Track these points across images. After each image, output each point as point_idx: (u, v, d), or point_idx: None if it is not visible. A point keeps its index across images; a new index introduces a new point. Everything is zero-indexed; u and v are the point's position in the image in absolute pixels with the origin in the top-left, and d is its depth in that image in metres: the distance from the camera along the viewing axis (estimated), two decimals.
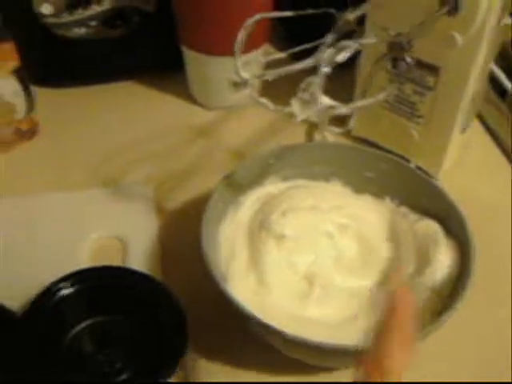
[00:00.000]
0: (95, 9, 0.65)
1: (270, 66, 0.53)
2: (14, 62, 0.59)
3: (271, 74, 0.44)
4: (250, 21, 0.45)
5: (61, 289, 0.48)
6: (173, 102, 0.69)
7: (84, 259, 0.55)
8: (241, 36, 0.45)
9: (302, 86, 0.44)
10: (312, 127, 0.64)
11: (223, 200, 0.51)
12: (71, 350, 0.49)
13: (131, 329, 0.49)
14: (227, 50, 0.59)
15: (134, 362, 0.47)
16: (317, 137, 0.63)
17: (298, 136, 0.64)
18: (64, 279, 0.48)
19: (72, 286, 0.49)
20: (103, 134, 0.66)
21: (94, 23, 0.66)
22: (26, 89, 0.62)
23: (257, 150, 0.63)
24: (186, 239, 0.52)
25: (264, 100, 0.44)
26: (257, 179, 0.53)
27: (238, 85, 0.64)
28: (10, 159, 0.64)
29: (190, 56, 0.64)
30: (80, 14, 0.65)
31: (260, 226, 0.50)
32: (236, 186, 0.52)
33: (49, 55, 0.63)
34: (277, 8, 0.61)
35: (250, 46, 0.61)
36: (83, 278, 0.49)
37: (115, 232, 0.57)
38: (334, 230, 0.52)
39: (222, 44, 0.61)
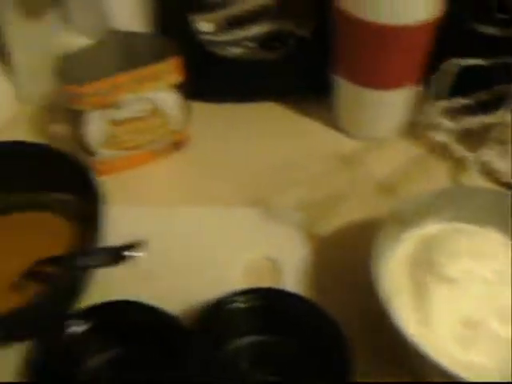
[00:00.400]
0: (253, 30, 0.67)
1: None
2: (176, 77, 0.61)
3: (467, 123, 0.44)
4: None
5: (232, 302, 0.50)
6: (318, 128, 0.70)
7: (237, 277, 0.56)
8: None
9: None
10: (458, 168, 0.64)
11: (386, 235, 0.51)
12: (228, 363, 0.50)
13: (289, 350, 0.50)
14: (384, 84, 0.61)
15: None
16: (463, 179, 0.63)
17: (441, 174, 0.64)
18: (237, 294, 0.50)
19: (243, 302, 0.50)
20: (250, 152, 0.67)
21: (250, 44, 0.67)
22: (183, 102, 0.63)
23: (403, 184, 0.63)
24: (337, 267, 0.55)
25: (457, 146, 0.44)
26: (417, 218, 0.54)
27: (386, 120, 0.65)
28: (160, 168, 0.66)
29: (344, 86, 0.65)
30: (237, 34, 0.67)
31: (424, 267, 0.51)
32: (398, 222, 0.53)
33: (203, 71, 0.65)
34: (438, 47, 0.61)
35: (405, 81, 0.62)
36: (254, 297, 0.50)
37: (267, 253, 0.58)
38: (493, 277, 0.52)
39: (380, 78, 0.62)
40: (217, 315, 0.49)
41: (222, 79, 0.68)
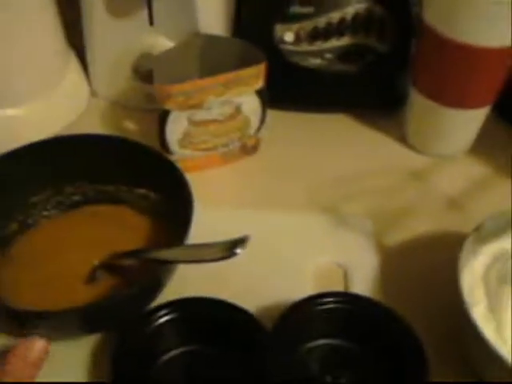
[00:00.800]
0: (334, 43, 0.69)
1: None
2: (260, 82, 0.63)
3: None
4: None
5: (310, 305, 0.51)
6: (388, 141, 0.71)
7: (307, 281, 0.58)
8: None
9: None
10: None
11: (467, 249, 0.53)
12: (301, 365, 0.51)
13: (363, 354, 0.51)
14: (463, 103, 0.62)
15: None
16: None
17: (507, 195, 0.66)
18: (314, 297, 0.51)
19: (319, 305, 0.51)
20: (320, 161, 0.69)
21: (329, 56, 0.69)
22: (263, 108, 0.65)
23: (470, 200, 0.64)
24: (406, 276, 0.57)
25: None
26: (498, 232, 0.55)
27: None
28: (231, 172, 0.67)
29: (420, 102, 0.66)
30: (318, 45, 0.68)
31: (501, 279, 0.52)
32: (479, 237, 0.54)
33: (281, 79, 0.66)
34: None
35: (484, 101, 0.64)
36: (331, 300, 0.52)
37: (336, 258, 0.59)
38: None
39: (460, 97, 0.63)
40: (294, 317, 0.50)
41: (298, 88, 0.70)
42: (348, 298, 0.52)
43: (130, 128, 0.72)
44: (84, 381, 0.50)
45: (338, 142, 0.71)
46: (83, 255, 0.56)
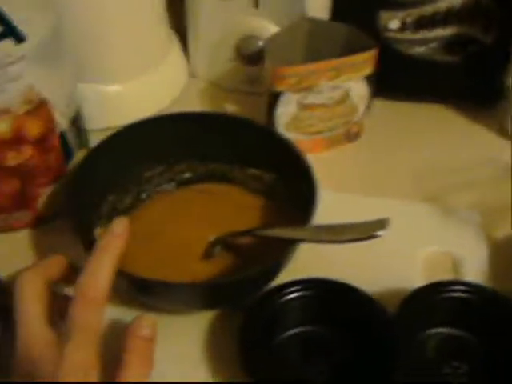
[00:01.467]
0: (438, 32, 0.68)
1: None
2: (369, 69, 0.63)
3: None
4: None
5: (431, 293, 0.51)
6: (487, 135, 0.71)
7: (417, 270, 0.58)
8: None
9: None
10: None
11: None
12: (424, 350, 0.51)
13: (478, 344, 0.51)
14: None
15: None
16: None
17: None
18: (438, 285, 0.52)
19: (441, 293, 0.51)
20: (422, 150, 0.68)
21: (433, 45, 0.68)
22: (370, 94, 0.65)
23: None
24: None
25: None
26: None
27: None
28: (334, 157, 0.67)
29: None
30: (423, 34, 0.68)
31: None
32: None
33: (384, 67, 0.66)
34: None
35: None
36: (453, 289, 0.52)
37: (445, 248, 0.59)
38: None
39: None
40: (415, 303, 0.51)
41: (400, 76, 0.69)
42: (471, 288, 0.52)
43: (230, 110, 0.72)
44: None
45: (439, 132, 0.71)
46: (198, 231, 0.56)
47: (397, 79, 0.70)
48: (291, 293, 0.51)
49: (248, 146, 0.59)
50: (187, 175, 0.62)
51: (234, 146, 0.60)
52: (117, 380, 0.40)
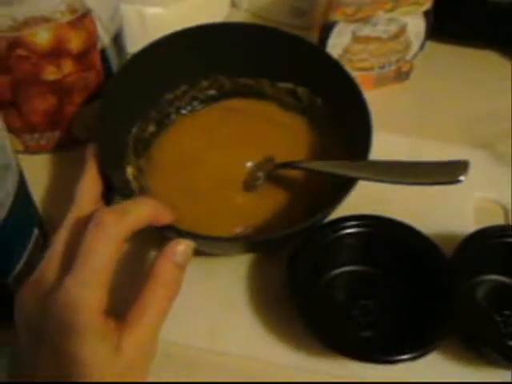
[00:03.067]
0: None
1: None
2: (429, 3, 0.59)
3: None
4: None
5: (492, 236, 0.49)
6: None
7: (468, 215, 0.56)
8: None
9: None
10: None
11: None
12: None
13: None
14: None
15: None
16: None
17: None
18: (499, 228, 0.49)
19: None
20: (472, 96, 0.65)
21: None
22: (426, 31, 0.61)
23: None
24: None
25: None
26: None
27: None
28: (383, 95, 0.64)
29: None
30: None
31: None
32: None
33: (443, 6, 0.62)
34: None
35: None
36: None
37: (495, 196, 0.57)
38: None
39: None
40: (468, 249, 0.48)
41: (454, 19, 0.66)
42: None
43: None
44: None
45: (492, 80, 0.67)
46: (235, 155, 0.53)
47: (454, 20, 0.67)
48: (342, 229, 0.48)
49: (279, 57, 0.54)
50: (212, 92, 0.57)
51: (263, 58, 0.54)
52: (136, 305, 0.38)
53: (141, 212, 0.40)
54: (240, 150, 0.53)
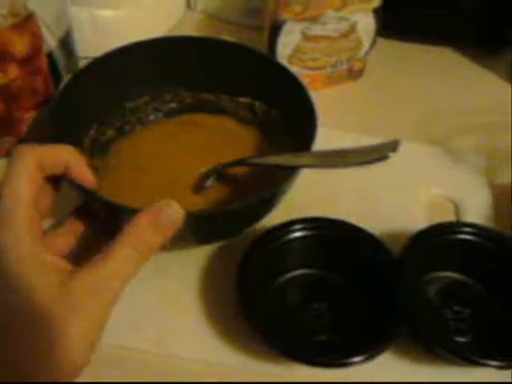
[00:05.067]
0: None
1: None
2: (377, 1, 0.60)
3: None
4: None
5: (437, 234, 0.48)
6: (495, 80, 0.69)
7: (418, 213, 0.56)
8: None
9: None
10: None
11: None
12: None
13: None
14: None
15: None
16: None
17: None
18: (440, 227, 0.49)
19: (445, 234, 0.49)
20: (425, 92, 0.66)
21: None
22: (376, 29, 0.62)
23: None
24: None
25: None
26: None
27: None
28: (334, 94, 0.64)
29: None
30: None
31: None
32: None
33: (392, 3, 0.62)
34: None
35: None
36: (456, 231, 0.49)
37: (447, 192, 0.57)
38: None
39: None
40: (417, 246, 0.48)
41: (405, 15, 0.66)
42: (476, 230, 0.49)
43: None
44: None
45: (445, 76, 0.68)
46: (188, 163, 0.53)
47: (403, 16, 0.67)
48: (291, 232, 0.48)
49: (239, 72, 0.55)
50: (173, 105, 0.57)
51: (223, 73, 0.55)
52: (98, 255, 0.36)
53: (53, 150, 0.40)
54: (194, 159, 0.53)
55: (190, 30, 0.70)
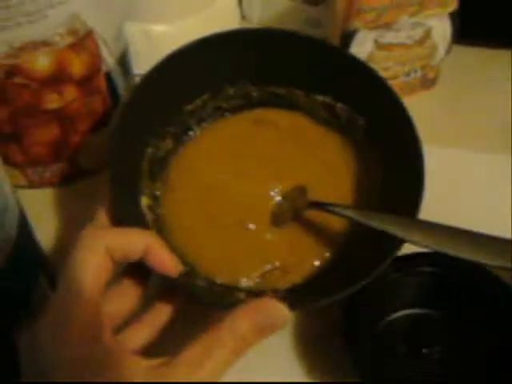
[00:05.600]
0: None
1: None
2: (453, 5, 0.55)
3: None
4: None
5: None
6: None
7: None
8: None
9: None
10: None
11: None
12: None
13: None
14: None
15: None
16: None
17: None
18: None
19: None
20: (504, 101, 0.61)
21: None
22: (452, 34, 0.57)
23: None
24: None
25: None
26: None
27: None
28: (410, 105, 0.60)
29: None
30: None
31: None
32: None
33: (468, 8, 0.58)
34: None
35: None
36: None
37: None
38: None
39: None
40: None
41: (483, 18, 0.61)
42: None
43: None
44: None
45: None
46: (260, 183, 0.46)
47: (479, 21, 0.62)
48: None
49: (316, 66, 0.48)
50: (238, 101, 0.50)
51: (296, 67, 0.48)
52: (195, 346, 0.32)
53: (127, 235, 0.35)
54: (268, 172, 0.47)
55: None
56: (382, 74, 0.54)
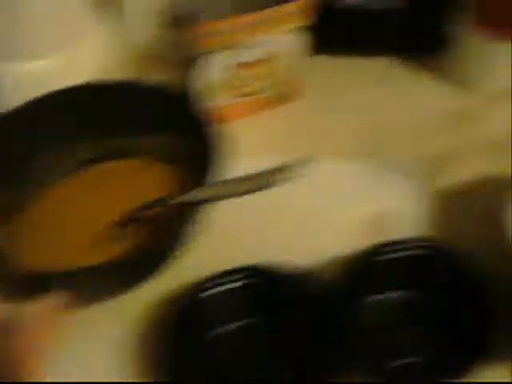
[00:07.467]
0: None
1: None
2: (306, 19, 0.59)
3: None
4: None
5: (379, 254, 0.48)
6: (434, 83, 0.68)
7: (357, 228, 0.55)
8: None
9: None
10: None
11: None
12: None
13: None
14: None
15: None
16: None
17: None
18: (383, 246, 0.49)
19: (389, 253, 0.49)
20: (364, 106, 0.65)
21: None
22: (307, 47, 0.61)
23: None
24: (458, 219, 0.54)
25: None
26: None
27: None
28: (271, 118, 0.64)
29: (470, 38, 0.63)
30: None
31: None
32: None
33: (323, 20, 0.62)
34: None
35: None
36: (398, 249, 0.50)
37: (386, 204, 0.57)
38: None
39: None
40: (361, 268, 0.48)
41: (340, 29, 0.66)
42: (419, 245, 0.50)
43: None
44: None
45: (384, 87, 0.67)
46: (105, 214, 0.53)
47: (337, 33, 0.66)
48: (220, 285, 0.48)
49: (137, 111, 0.55)
50: (86, 155, 0.57)
51: (129, 116, 0.56)
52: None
53: None
54: (112, 207, 0.53)
55: (127, 70, 0.69)
56: (244, 91, 0.58)
